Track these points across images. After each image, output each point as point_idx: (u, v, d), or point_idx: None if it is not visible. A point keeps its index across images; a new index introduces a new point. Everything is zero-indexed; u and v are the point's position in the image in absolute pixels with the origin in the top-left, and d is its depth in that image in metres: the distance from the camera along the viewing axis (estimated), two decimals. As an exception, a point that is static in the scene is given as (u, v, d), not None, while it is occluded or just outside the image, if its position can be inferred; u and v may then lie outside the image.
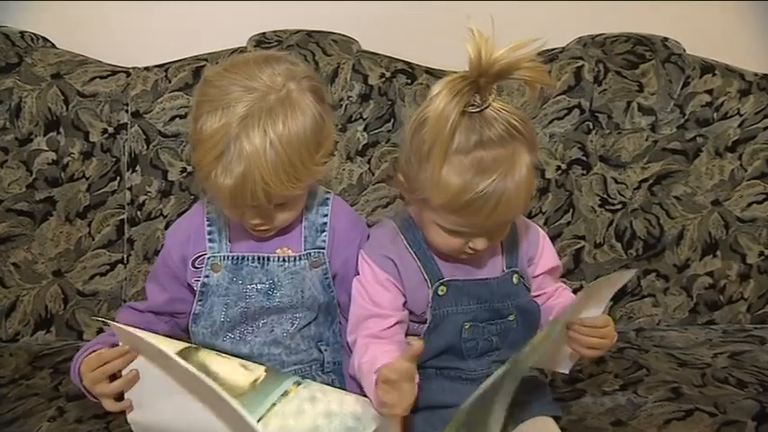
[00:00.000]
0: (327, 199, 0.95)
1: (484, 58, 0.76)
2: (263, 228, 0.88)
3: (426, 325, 0.91)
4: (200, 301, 0.92)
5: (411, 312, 0.93)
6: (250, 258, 0.91)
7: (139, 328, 0.81)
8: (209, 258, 0.91)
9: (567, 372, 0.94)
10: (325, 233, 0.93)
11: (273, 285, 0.91)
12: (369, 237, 0.95)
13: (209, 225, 0.93)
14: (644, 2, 1.37)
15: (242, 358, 0.91)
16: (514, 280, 0.92)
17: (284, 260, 0.91)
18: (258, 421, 0.72)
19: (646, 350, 1.20)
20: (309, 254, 0.92)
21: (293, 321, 0.94)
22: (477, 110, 0.79)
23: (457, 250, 0.87)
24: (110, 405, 0.84)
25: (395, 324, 0.89)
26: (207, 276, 0.91)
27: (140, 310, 0.95)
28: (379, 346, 0.86)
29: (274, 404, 0.77)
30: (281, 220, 0.88)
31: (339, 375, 0.97)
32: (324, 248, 0.93)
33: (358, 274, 0.93)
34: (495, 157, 0.79)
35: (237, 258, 0.91)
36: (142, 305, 0.95)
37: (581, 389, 1.08)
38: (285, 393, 0.79)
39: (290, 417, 0.76)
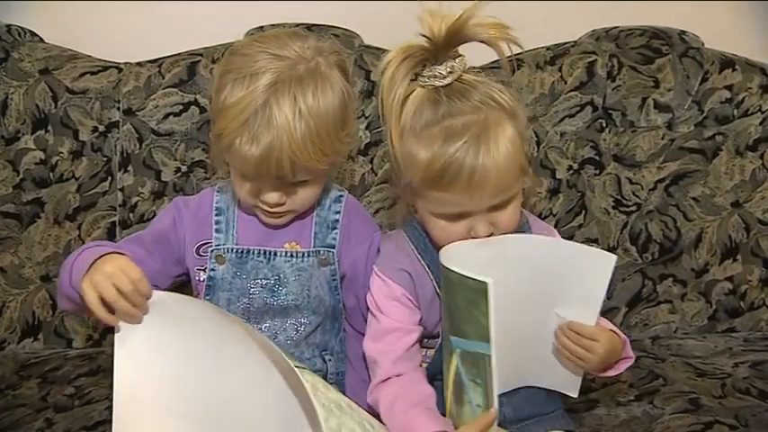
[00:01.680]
0: (341, 196, 0.94)
1: (435, 27, 0.77)
2: (279, 209, 0.86)
3: (439, 341, 0.89)
4: (207, 295, 0.90)
5: (423, 327, 0.90)
6: (256, 252, 0.90)
7: None
8: (213, 251, 0.89)
9: (575, 395, 0.90)
10: (336, 231, 0.92)
11: (279, 282, 0.90)
12: (379, 251, 0.93)
13: (217, 215, 0.91)
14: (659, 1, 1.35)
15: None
16: None
17: (292, 255, 0.90)
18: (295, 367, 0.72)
19: (662, 359, 1.18)
20: (318, 251, 0.91)
21: (297, 328, 0.92)
22: (445, 83, 0.79)
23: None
24: (98, 306, 0.75)
25: (418, 339, 0.87)
26: (213, 270, 0.89)
27: None
28: (414, 391, 0.83)
29: (305, 368, 0.77)
30: (300, 199, 0.86)
31: (342, 387, 0.95)
32: (334, 247, 0.92)
33: (368, 285, 0.91)
34: (465, 123, 0.78)
35: (243, 251, 0.90)
36: None
37: (594, 399, 1.05)
38: (304, 368, 0.79)
39: (319, 383, 0.75)
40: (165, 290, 0.91)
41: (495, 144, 0.78)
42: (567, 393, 0.90)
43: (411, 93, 0.80)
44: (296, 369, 0.71)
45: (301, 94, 0.79)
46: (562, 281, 0.81)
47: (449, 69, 0.79)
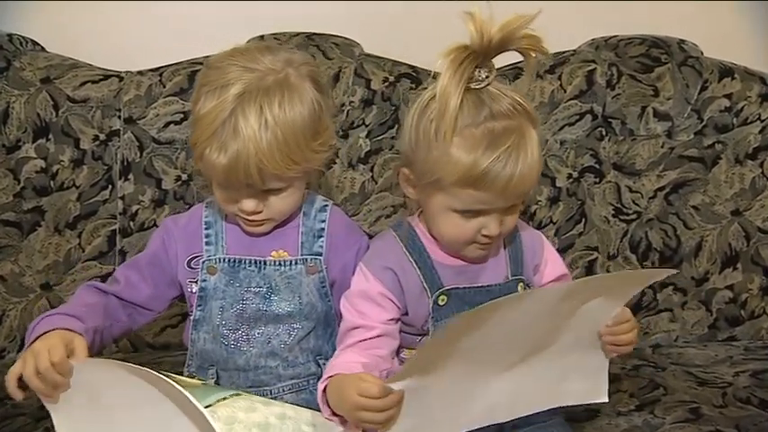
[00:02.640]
0: (326, 206, 0.96)
1: (485, 33, 0.79)
2: (257, 216, 0.87)
3: (428, 337, 0.89)
4: (199, 306, 0.91)
5: (411, 325, 0.91)
6: (247, 261, 0.91)
7: (93, 311, 0.84)
8: (204, 262, 0.91)
9: (606, 399, 0.90)
10: (322, 239, 0.93)
11: (271, 290, 0.91)
12: (368, 248, 0.95)
13: (206, 228, 0.93)
14: (659, 2, 1.34)
15: (238, 370, 0.92)
16: (519, 289, 0.91)
17: (281, 264, 0.91)
18: (206, 407, 0.72)
19: (663, 368, 1.17)
20: (306, 259, 0.92)
21: (291, 332, 0.93)
22: (482, 85, 0.82)
23: (469, 239, 0.86)
24: (11, 380, 0.79)
25: (378, 336, 0.87)
26: (204, 280, 0.91)
27: (106, 291, 0.91)
28: (347, 356, 0.84)
29: (225, 398, 0.78)
30: (276, 207, 0.88)
31: None
32: (321, 255, 0.93)
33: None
34: (506, 128, 0.81)
35: (234, 261, 0.91)
36: (110, 288, 0.92)
37: (594, 409, 1.04)
38: (238, 394, 0.81)
39: (240, 410, 0.77)
40: (160, 312, 0.95)
41: (531, 148, 0.82)
42: (599, 401, 0.89)
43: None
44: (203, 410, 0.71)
45: (268, 105, 0.81)
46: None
47: (486, 74, 0.82)
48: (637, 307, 1.26)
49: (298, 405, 0.86)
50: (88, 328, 0.82)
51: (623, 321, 0.85)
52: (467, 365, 0.79)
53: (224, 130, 0.81)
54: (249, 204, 0.86)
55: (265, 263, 0.91)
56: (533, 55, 0.84)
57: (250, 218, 0.88)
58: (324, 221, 0.94)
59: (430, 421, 0.80)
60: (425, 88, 1.20)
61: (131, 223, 1.20)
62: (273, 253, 0.92)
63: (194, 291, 0.92)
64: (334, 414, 0.81)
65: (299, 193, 0.90)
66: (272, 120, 0.81)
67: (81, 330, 0.81)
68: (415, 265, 0.89)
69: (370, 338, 0.86)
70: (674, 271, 0.86)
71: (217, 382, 0.92)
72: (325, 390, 0.81)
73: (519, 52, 0.83)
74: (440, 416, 0.81)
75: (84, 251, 1.19)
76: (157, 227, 1.17)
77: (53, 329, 0.80)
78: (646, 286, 0.87)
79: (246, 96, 0.81)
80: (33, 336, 0.81)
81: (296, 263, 0.92)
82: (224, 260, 0.91)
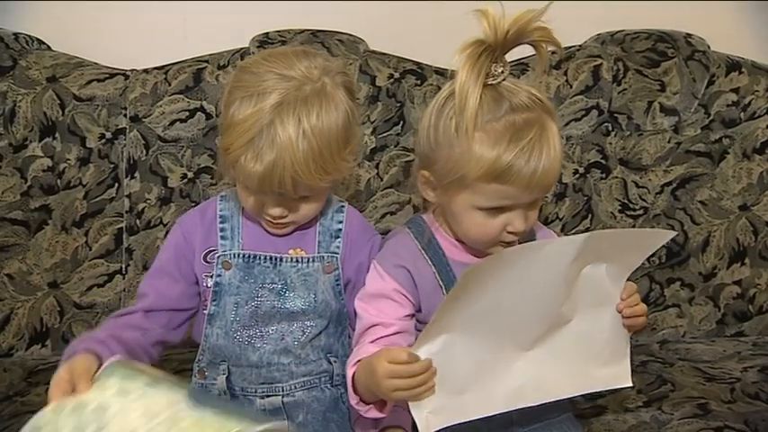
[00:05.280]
0: (342, 206, 0.96)
1: (498, 28, 0.80)
2: (282, 220, 0.88)
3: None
4: (214, 300, 0.92)
5: (425, 323, 0.89)
6: (262, 258, 0.91)
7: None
8: (219, 256, 0.91)
9: (630, 383, 0.90)
10: (339, 239, 0.94)
11: (286, 286, 0.92)
12: (382, 246, 0.95)
13: (221, 222, 0.93)
14: (665, -2, 1.35)
15: (251, 366, 0.92)
16: None
17: (297, 261, 0.92)
18: None
19: (670, 363, 1.17)
20: (323, 257, 0.93)
21: (304, 330, 0.93)
22: (499, 80, 0.82)
23: (494, 238, 0.86)
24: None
25: (396, 333, 0.87)
26: (219, 275, 0.91)
27: (130, 312, 0.91)
28: (369, 348, 0.85)
29: None
30: (302, 213, 0.88)
31: (346, 387, 0.93)
32: (337, 254, 0.93)
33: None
34: (527, 120, 0.82)
35: (249, 257, 0.91)
36: (136, 306, 0.92)
37: (602, 405, 1.05)
38: None
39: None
40: (193, 309, 0.94)
41: (553, 139, 0.82)
42: (624, 385, 0.89)
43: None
44: None
45: (305, 115, 0.81)
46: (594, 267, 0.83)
47: (502, 68, 0.82)
48: (644, 302, 1.21)
49: (310, 401, 0.87)
50: (104, 339, 0.83)
51: (633, 293, 0.87)
52: (487, 337, 0.79)
53: (261, 138, 0.81)
54: (276, 211, 0.87)
55: (281, 259, 0.92)
56: (545, 47, 0.84)
57: (275, 221, 0.89)
58: (341, 222, 0.95)
59: (459, 402, 0.81)
60: (431, 84, 1.23)
61: (138, 221, 1.20)
62: (291, 251, 0.92)
63: (209, 285, 0.92)
64: (363, 401, 0.82)
65: (324, 198, 0.91)
66: (310, 130, 0.81)
67: (94, 344, 0.81)
68: (429, 261, 0.89)
69: (389, 335, 0.86)
70: (674, 233, 0.87)
71: (228, 378, 0.92)
72: (353, 378, 0.82)
73: (531, 45, 0.84)
74: (468, 397, 0.81)
75: (91, 249, 1.20)
76: (164, 224, 1.19)
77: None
78: (651, 252, 0.88)
79: (285, 106, 0.81)
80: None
81: (313, 260, 0.92)
82: (239, 255, 0.91)
